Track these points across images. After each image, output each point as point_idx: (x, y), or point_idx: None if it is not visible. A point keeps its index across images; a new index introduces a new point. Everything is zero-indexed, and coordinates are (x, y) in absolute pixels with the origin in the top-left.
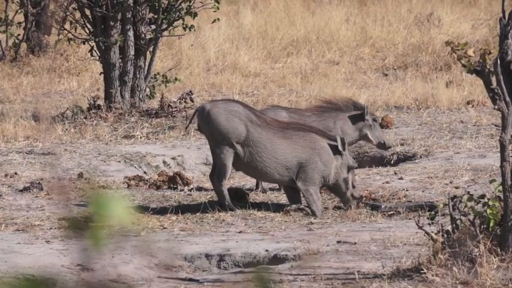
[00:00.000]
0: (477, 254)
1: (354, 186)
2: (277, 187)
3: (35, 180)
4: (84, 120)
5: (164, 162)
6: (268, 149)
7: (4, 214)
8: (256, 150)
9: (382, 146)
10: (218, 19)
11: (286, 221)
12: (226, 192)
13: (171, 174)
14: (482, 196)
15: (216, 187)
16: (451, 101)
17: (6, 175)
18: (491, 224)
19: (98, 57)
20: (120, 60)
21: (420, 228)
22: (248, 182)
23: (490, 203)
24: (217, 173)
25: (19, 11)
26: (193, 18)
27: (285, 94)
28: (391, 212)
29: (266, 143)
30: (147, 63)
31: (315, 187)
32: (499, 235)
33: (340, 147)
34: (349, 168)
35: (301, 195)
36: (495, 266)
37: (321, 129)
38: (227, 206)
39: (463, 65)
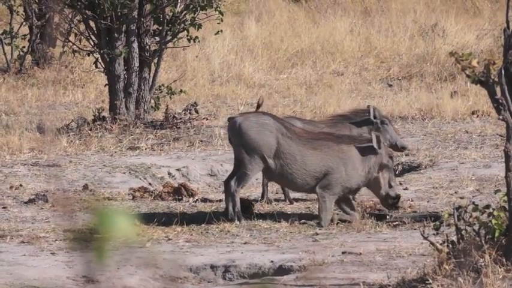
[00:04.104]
0: (482, 264)
1: (390, 186)
2: (283, 198)
3: (40, 192)
4: (89, 131)
5: (169, 173)
6: (298, 160)
7: (9, 226)
8: (286, 162)
9: (395, 147)
10: (221, 31)
11: (291, 232)
12: (237, 199)
13: (176, 185)
14: (487, 206)
15: (232, 191)
16: (455, 111)
17: (11, 187)
18: (496, 234)
19: (102, 69)
20: (124, 72)
21: (425, 238)
22: (253, 192)
23: (495, 213)
24: (237, 178)
25: (24, 23)
26: (198, 30)
27: (290, 105)
28: (396, 223)
29: (296, 155)
30: (151, 75)
31: (332, 197)
32: (504, 245)
33: (375, 145)
34: (382, 167)
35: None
36: (500, 276)
37: (352, 136)
38: (235, 214)
39: (468, 76)
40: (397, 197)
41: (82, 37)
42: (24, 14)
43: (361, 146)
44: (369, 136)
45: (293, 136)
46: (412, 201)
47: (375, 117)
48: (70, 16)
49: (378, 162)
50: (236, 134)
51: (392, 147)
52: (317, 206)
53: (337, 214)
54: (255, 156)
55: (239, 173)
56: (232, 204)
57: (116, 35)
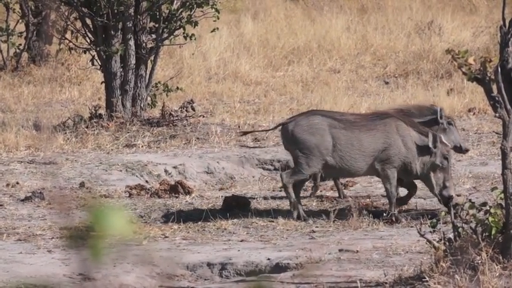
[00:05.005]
0: (479, 261)
1: (445, 186)
2: (279, 195)
3: (37, 190)
4: (86, 129)
5: (166, 171)
6: (355, 146)
7: (6, 224)
8: (345, 152)
9: (459, 149)
10: (217, 28)
11: (288, 230)
12: (291, 190)
13: (173, 183)
14: (484, 204)
15: (284, 182)
16: (452, 108)
17: (7, 185)
18: (493, 232)
19: (99, 67)
20: (121, 70)
21: (422, 236)
22: (250, 190)
23: (492, 210)
24: (291, 172)
25: (20, 20)
26: (194, 27)
27: (286, 102)
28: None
29: (353, 142)
30: (148, 72)
31: (393, 169)
32: (501, 243)
33: (431, 145)
34: (434, 167)
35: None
36: (497, 274)
37: (412, 121)
38: (293, 204)
39: (464, 73)
40: (450, 198)
41: (78, 34)
42: (20, 11)
43: (418, 143)
44: (427, 131)
45: (346, 125)
46: None
47: (441, 117)
48: (66, 13)
49: (431, 161)
50: (290, 140)
51: (455, 149)
52: (314, 204)
53: (333, 211)
54: (313, 157)
55: (294, 168)
56: (289, 197)
57: (112, 32)
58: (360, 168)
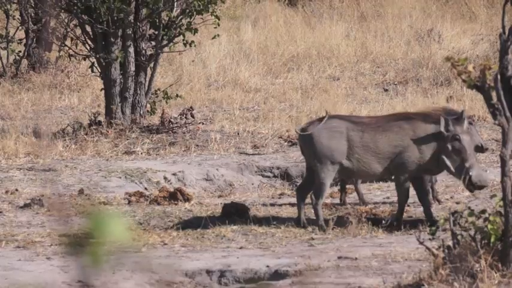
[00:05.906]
0: (478, 269)
1: (463, 167)
2: (279, 203)
3: (36, 197)
4: (85, 136)
5: (165, 178)
6: (371, 147)
7: (5, 231)
8: (361, 154)
9: (480, 148)
10: (218, 35)
11: (287, 237)
12: (321, 212)
13: (172, 190)
14: (483, 211)
15: (313, 204)
16: None
17: (6, 192)
18: (492, 239)
19: (98, 74)
20: (120, 77)
21: (421, 243)
22: (249, 197)
23: (491, 218)
24: (314, 191)
25: (20, 27)
26: (194, 34)
27: (286, 109)
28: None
29: (369, 144)
30: (147, 79)
31: (406, 174)
32: (500, 250)
33: (443, 129)
34: (447, 151)
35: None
36: (496, 282)
37: (429, 115)
38: (320, 226)
39: (463, 81)
40: (469, 178)
41: (78, 41)
42: (20, 18)
43: (429, 133)
44: (439, 117)
45: (363, 127)
46: (408, 206)
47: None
48: (66, 20)
49: (442, 145)
50: (307, 143)
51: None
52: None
53: (333, 219)
54: (327, 163)
55: (315, 185)
56: (316, 218)
57: (112, 39)
58: (377, 170)
